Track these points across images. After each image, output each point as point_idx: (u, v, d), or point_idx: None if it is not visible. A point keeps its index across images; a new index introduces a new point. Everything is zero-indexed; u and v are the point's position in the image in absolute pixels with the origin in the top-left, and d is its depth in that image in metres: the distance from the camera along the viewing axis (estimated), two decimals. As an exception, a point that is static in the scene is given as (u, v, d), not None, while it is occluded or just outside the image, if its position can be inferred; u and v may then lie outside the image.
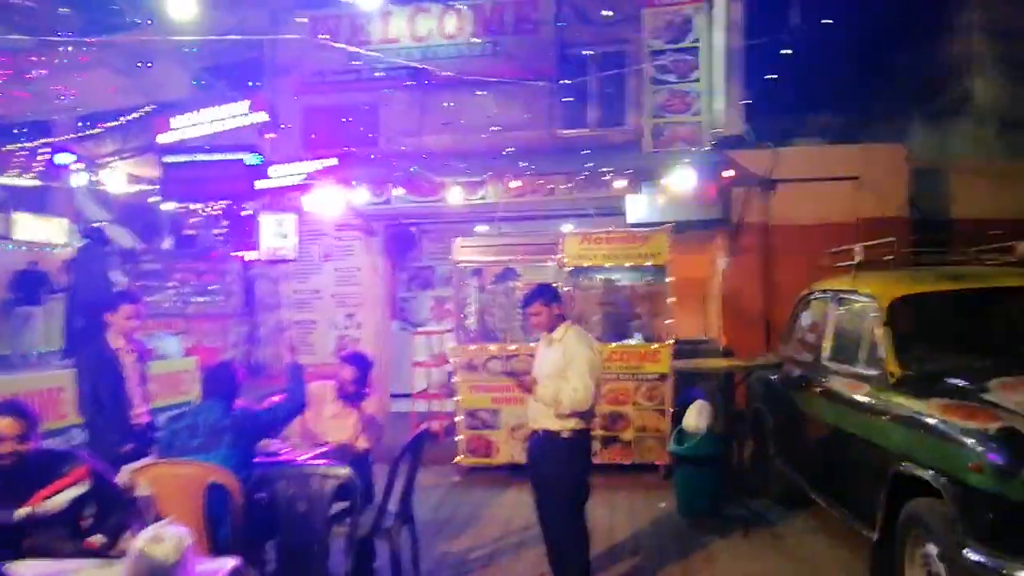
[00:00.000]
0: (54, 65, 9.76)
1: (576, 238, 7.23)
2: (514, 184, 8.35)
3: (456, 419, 7.29)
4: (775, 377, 5.89)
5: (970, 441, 3.20)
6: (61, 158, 11.26)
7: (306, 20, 9.49)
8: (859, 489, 4.19)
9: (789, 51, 7.81)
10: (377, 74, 9.51)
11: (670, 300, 6.96)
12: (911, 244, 6.65)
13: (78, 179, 11.51)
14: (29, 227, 13.08)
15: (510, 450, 6.97)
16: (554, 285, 4.80)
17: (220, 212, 10.81)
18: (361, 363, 4.86)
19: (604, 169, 8.08)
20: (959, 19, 9.18)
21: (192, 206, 12.15)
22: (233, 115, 8.99)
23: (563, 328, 4.20)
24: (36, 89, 9.76)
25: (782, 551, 5.03)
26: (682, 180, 7.71)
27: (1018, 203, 7.76)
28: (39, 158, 11.54)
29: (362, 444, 4.85)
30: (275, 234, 9.46)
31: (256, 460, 4.30)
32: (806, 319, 5.71)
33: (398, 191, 8.71)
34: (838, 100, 8.92)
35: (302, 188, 8.90)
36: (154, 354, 6.66)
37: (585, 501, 4.22)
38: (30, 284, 10.50)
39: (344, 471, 3.55)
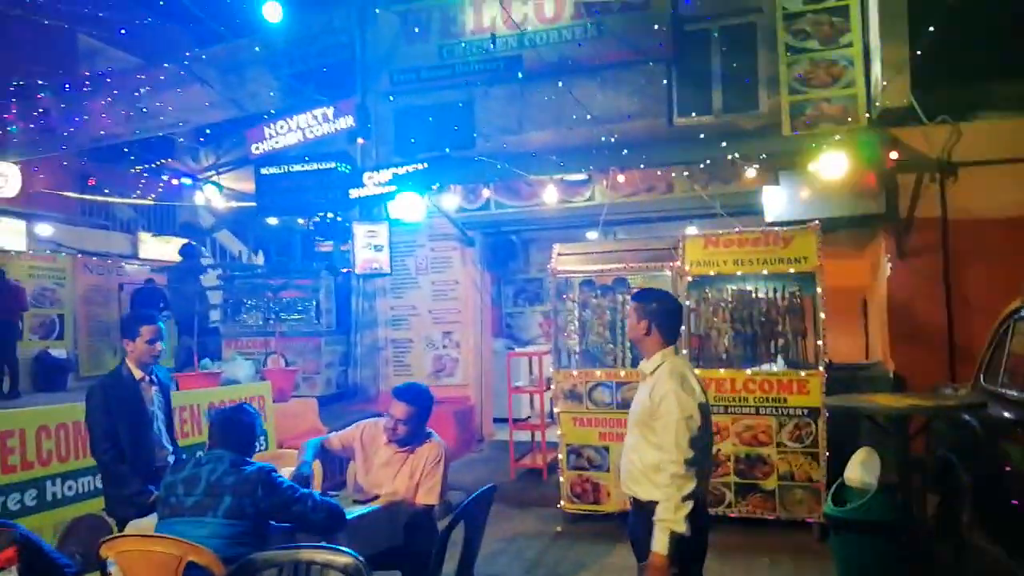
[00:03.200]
0: (158, 82, 9.78)
1: (699, 241, 5.99)
2: (622, 179, 7.29)
3: (559, 456, 6.28)
4: (974, 419, 4.38)
5: None
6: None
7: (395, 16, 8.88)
8: None
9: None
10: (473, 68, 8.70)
11: (821, 315, 5.58)
12: None
13: (197, 196, 11.40)
14: (152, 247, 13.55)
15: (621, 496, 5.82)
16: (675, 296, 3.59)
17: (312, 225, 10.40)
18: (417, 398, 3.90)
19: (732, 156, 6.82)
20: None
21: (299, 220, 11.98)
22: (320, 121, 8.56)
23: (659, 357, 3.03)
24: (142, 107, 9.79)
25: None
26: (832, 167, 6.51)
27: None
28: (164, 177, 11.71)
29: (423, 499, 3.91)
30: (368, 246, 8.94)
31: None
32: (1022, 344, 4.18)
33: (494, 195, 7.85)
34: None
35: (393, 195, 8.27)
36: (222, 379, 6.12)
37: None
38: (145, 302, 10.50)
39: (346, 559, 2.57)
